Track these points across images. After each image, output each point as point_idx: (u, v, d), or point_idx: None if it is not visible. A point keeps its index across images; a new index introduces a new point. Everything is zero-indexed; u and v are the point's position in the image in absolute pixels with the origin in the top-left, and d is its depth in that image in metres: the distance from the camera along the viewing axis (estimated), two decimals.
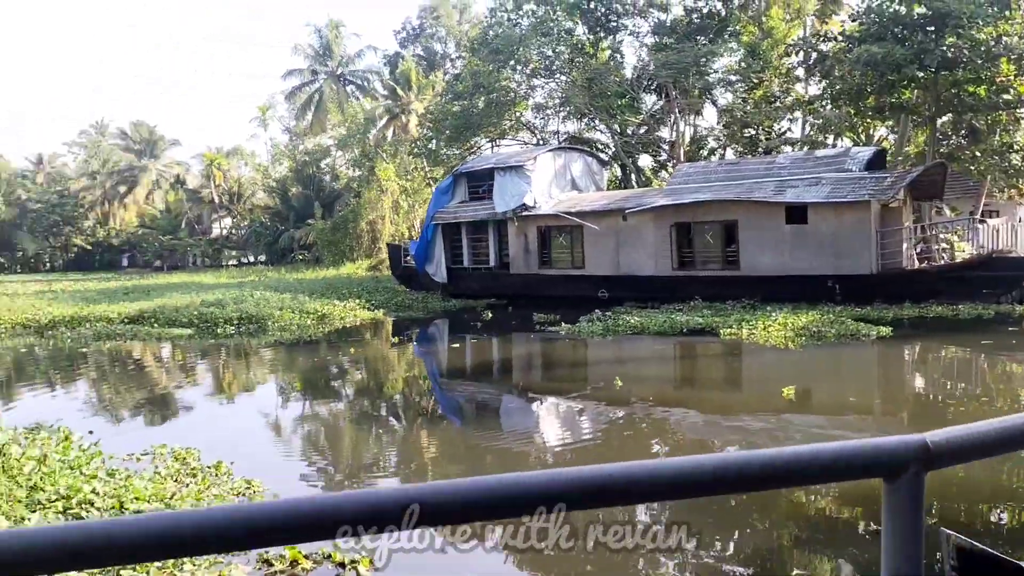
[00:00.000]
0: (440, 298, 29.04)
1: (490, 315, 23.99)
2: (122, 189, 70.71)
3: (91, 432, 9.00)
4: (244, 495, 6.71)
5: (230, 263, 66.42)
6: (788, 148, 34.55)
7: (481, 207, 29.03)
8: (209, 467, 7.39)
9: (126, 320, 22.69)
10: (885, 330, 16.85)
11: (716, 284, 23.54)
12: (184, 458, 7.75)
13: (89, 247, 72.54)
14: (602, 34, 39.13)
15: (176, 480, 6.87)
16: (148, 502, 5.84)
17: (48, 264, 73.31)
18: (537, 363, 17.46)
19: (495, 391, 14.24)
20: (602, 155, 41.68)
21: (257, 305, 23.23)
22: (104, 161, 72.77)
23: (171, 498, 6.08)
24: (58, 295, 32.16)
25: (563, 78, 38.96)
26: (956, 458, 1.23)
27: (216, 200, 66.24)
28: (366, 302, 27.06)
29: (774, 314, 18.89)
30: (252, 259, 66.48)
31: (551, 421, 11.76)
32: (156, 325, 21.89)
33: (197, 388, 14.65)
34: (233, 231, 70.27)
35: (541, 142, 40.70)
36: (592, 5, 38.25)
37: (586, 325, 19.45)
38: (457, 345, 19.87)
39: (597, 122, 40.64)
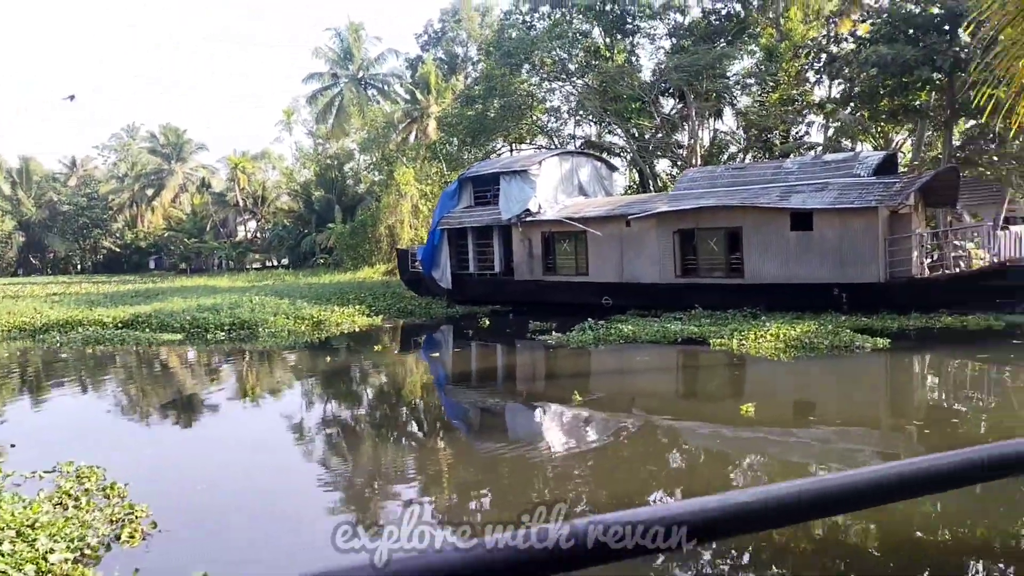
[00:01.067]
0: (444, 304, 28.78)
1: (487, 322, 23.65)
2: (149, 192, 71.61)
3: (13, 446, 8.76)
4: (121, 521, 6.38)
5: (253, 266, 66.85)
6: (810, 152, 33.73)
7: (486, 212, 28.66)
8: (103, 489, 7.07)
9: (119, 324, 22.69)
10: (883, 342, 16.16)
11: (719, 292, 22.88)
12: (86, 477, 7.45)
13: (118, 249, 73.56)
14: (618, 36, 38.56)
15: (59, 503, 6.57)
16: (2, 530, 5.53)
17: (78, 266, 74.43)
18: (513, 373, 17.06)
19: (448, 400, 13.89)
20: (619, 160, 41.25)
21: (252, 311, 23.08)
22: (133, 164, 73.80)
23: (32, 526, 5.77)
24: (64, 298, 32.42)
25: (578, 81, 38.53)
26: None
27: (240, 203, 66.70)
28: (368, 308, 26.85)
29: (768, 324, 18.24)
30: (275, 262, 66.86)
31: (491, 430, 11.36)
32: (148, 330, 21.84)
33: (154, 399, 14.43)
34: (257, 234, 70.75)
35: (557, 146, 40.27)
36: (608, 7, 37.68)
37: (576, 334, 18.98)
38: (437, 354, 19.53)
39: (614, 126, 40.14)
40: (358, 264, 47.51)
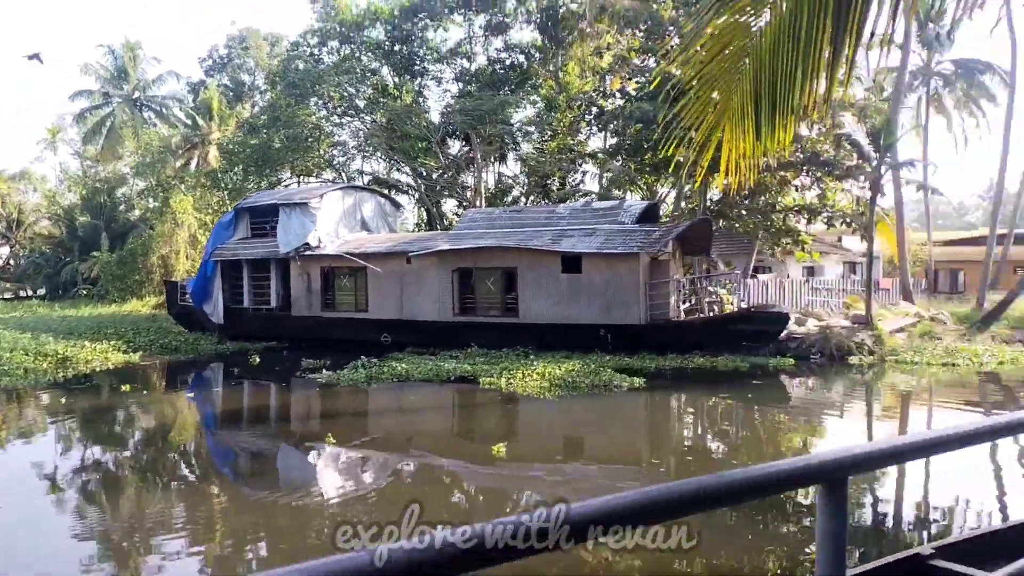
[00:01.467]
0: (215, 340, 27.17)
1: (257, 360, 22.63)
2: None
3: None
4: None
5: (3, 296, 60.19)
6: (584, 199, 35.44)
7: (263, 245, 27.62)
8: None
9: None
10: (639, 381, 17.05)
11: (496, 331, 23.29)
12: None
13: None
14: (407, 77, 38.87)
15: None
16: None
17: None
18: (277, 413, 16.41)
19: (212, 443, 13.05)
20: (407, 198, 41.38)
21: None
22: None
23: None
24: None
25: (367, 118, 38.38)
26: None
27: None
28: (127, 343, 24.86)
29: (536, 363, 18.75)
30: (30, 293, 60.58)
31: (259, 474, 10.77)
32: None
33: None
34: (10, 262, 63.93)
35: (345, 181, 39.75)
36: (397, 48, 37.95)
37: (349, 372, 18.53)
38: (193, 394, 18.41)
39: (401, 164, 40.23)
40: (125, 296, 44.14)
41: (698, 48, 3.98)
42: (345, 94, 37.23)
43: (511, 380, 17.05)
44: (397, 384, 17.78)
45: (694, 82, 4.15)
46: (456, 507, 8.99)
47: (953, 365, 20.19)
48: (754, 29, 3.71)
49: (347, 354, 21.02)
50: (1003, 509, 8.58)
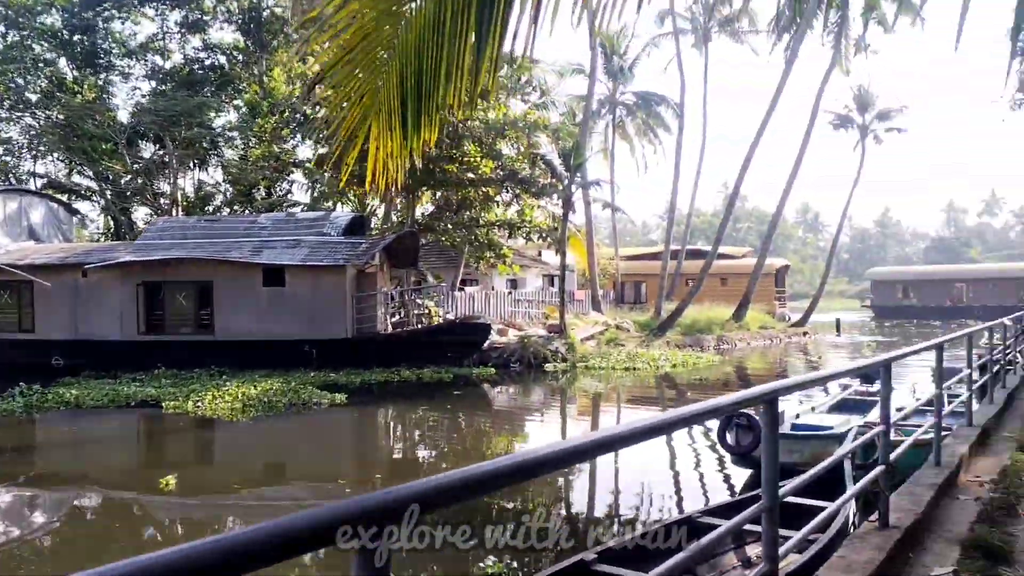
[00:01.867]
0: None
1: None
2: None
3: None
4: None
5: None
6: (296, 209, 34.12)
7: None
8: None
9: None
10: (340, 397, 16.56)
11: (188, 350, 21.53)
12: None
13: None
14: (89, 71, 35.10)
15: None
16: None
17: None
18: None
19: None
20: (91, 204, 37.36)
21: None
22: None
23: None
24: None
25: (40, 113, 34.08)
26: None
27: None
28: None
29: (230, 383, 17.57)
30: None
31: None
32: None
33: None
34: None
35: (14, 184, 34.93)
36: (76, 38, 34.15)
37: (1, 402, 16.02)
38: None
39: (84, 167, 36.21)
40: None
41: (338, 33, 3.64)
42: (12, 85, 32.80)
43: (199, 403, 15.73)
44: (65, 413, 15.71)
45: (335, 73, 3.82)
46: (105, 549, 7.93)
47: (635, 369, 21.96)
48: (398, 19, 3.46)
49: (8, 380, 18.24)
50: (679, 505, 9.19)
